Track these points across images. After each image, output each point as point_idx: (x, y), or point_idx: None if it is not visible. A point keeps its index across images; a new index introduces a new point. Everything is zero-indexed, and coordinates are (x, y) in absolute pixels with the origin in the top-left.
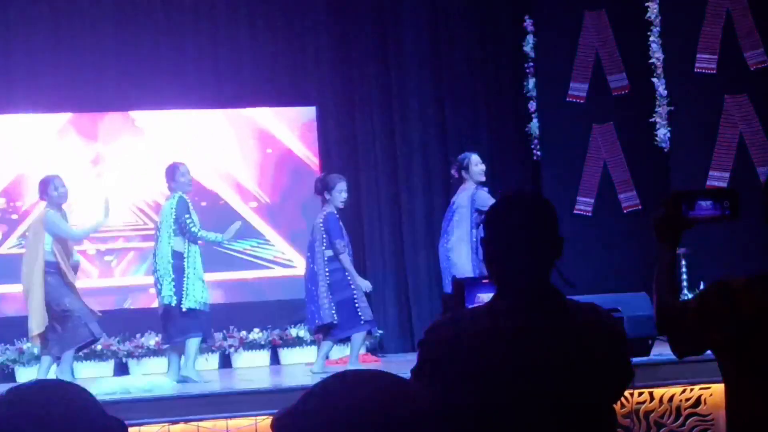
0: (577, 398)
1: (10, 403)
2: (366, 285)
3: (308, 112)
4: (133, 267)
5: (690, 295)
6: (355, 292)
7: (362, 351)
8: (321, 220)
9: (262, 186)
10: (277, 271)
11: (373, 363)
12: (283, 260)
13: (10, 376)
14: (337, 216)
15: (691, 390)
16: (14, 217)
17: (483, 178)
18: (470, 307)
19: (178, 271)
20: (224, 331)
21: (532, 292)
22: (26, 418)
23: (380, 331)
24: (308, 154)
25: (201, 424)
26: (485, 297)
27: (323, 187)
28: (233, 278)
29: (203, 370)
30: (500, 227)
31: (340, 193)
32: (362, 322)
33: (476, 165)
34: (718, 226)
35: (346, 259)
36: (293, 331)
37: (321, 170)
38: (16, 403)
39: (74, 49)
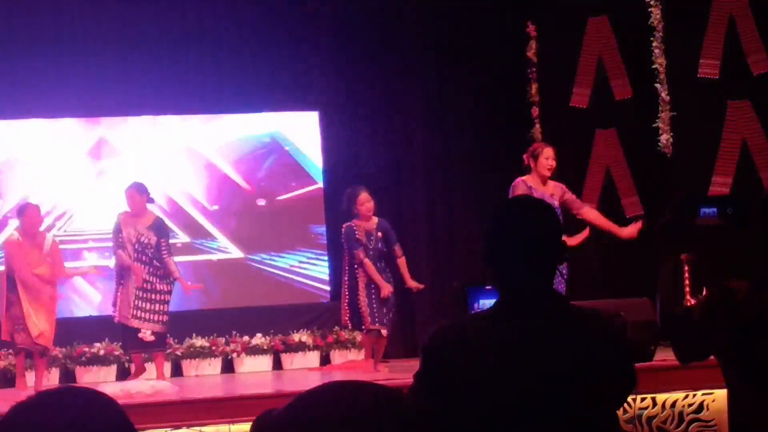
0: (579, 404)
1: (38, 407)
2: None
3: (310, 117)
4: None
5: (693, 301)
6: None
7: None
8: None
9: (265, 190)
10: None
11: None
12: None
13: (11, 381)
14: (353, 227)
15: (694, 395)
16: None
17: (547, 174)
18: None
19: None
20: (227, 336)
21: (534, 298)
22: (54, 423)
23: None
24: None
25: (204, 429)
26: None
27: (348, 202)
28: (233, 282)
29: (206, 374)
30: (502, 232)
31: (363, 205)
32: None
33: (546, 158)
34: (721, 232)
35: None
36: (296, 336)
37: (324, 173)
38: (44, 407)
39: (77, 54)
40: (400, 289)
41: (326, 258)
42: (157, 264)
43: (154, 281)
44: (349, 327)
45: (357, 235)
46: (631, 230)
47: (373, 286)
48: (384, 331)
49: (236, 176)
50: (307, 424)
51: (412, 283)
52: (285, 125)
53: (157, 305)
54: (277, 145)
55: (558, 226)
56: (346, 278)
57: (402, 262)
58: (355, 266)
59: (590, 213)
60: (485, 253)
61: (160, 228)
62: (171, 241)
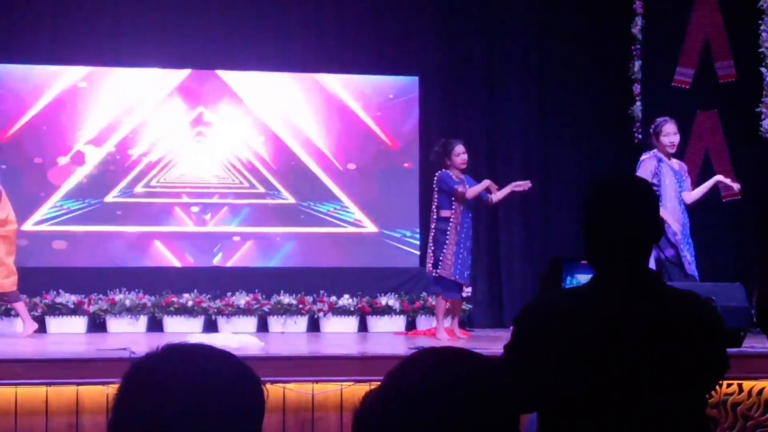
0: (670, 385)
1: (168, 362)
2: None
3: (408, 83)
4: (226, 221)
5: None
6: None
7: (446, 323)
8: (435, 181)
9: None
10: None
11: (462, 337)
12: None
13: (102, 326)
14: (449, 172)
15: None
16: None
17: (671, 151)
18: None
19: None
20: (314, 295)
21: (629, 277)
22: (184, 376)
23: (469, 306)
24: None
25: (287, 386)
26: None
27: (443, 153)
28: (325, 241)
29: (291, 332)
30: (599, 210)
31: (458, 156)
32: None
33: (666, 136)
34: None
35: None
36: (383, 300)
37: (420, 141)
38: (174, 361)
39: (182, 8)
40: (491, 260)
41: (417, 223)
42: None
43: None
44: (434, 275)
45: (454, 178)
46: None
47: (461, 241)
48: (467, 290)
49: (323, 140)
50: (408, 394)
51: (515, 187)
52: (377, 89)
53: None
54: (369, 108)
55: (655, 205)
56: (433, 226)
57: (497, 194)
58: (449, 218)
59: (687, 197)
60: (584, 229)
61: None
62: (276, 201)
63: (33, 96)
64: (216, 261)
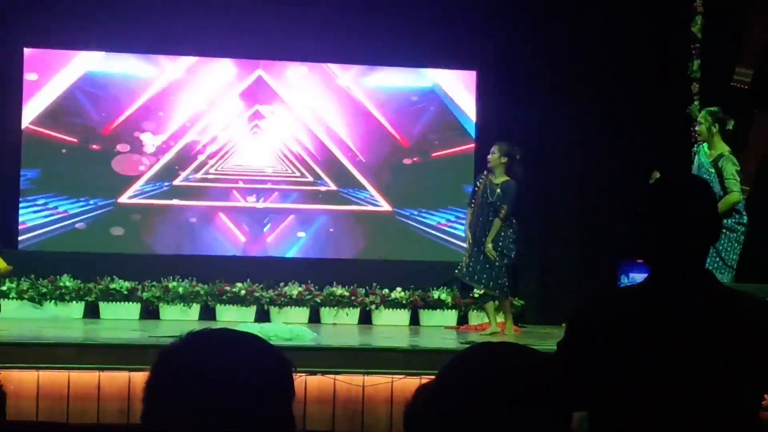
0: (725, 386)
1: (195, 348)
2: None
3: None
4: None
5: None
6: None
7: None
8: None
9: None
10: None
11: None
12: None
13: (154, 313)
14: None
15: None
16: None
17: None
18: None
19: None
20: (367, 287)
21: (687, 277)
22: (211, 360)
23: (521, 302)
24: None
25: (338, 377)
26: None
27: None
28: (378, 234)
29: (343, 323)
30: (657, 210)
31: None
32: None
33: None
34: None
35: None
36: (435, 294)
37: (476, 136)
38: (201, 346)
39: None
40: (543, 257)
41: None
42: None
43: None
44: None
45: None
46: None
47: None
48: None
49: (392, 129)
50: (464, 388)
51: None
52: (443, 82)
53: None
54: (436, 100)
55: (714, 205)
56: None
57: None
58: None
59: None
60: (640, 228)
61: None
62: (318, 188)
63: (130, 95)
64: (266, 229)
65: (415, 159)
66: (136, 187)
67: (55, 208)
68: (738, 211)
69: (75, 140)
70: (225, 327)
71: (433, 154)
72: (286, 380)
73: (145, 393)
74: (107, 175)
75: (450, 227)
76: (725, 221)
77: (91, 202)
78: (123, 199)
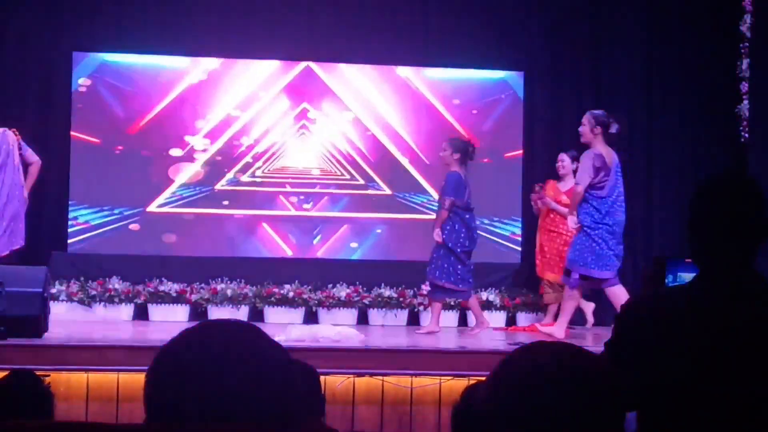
0: None
1: (197, 341)
2: None
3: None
4: (326, 210)
5: None
6: None
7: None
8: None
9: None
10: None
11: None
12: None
13: (203, 315)
14: None
15: None
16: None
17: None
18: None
19: None
20: (414, 289)
21: (734, 277)
22: (212, 351)
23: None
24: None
25: (386, 378)
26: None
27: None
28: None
29: (391, 325)
30: (706, 209)
31: None
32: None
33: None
34: None
35: None
36: (483, 295)
37: (524, 137)
38: (203, 339)
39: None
40: None
41: (519, 219)
42: None
43: None
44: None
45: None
46: None
47: None
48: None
49: (418, 134)
50: (516, 388)
51: None
52: (487, 85)
53: None
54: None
55: (763, 203)
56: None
57: None
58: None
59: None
60: (689, 228)
61: None
62: (375, 192)
63: (161, 91)
64: (316, 240)
65: (485, 160)
66: (178, 191)
67: (102, 210)
68: None
69: (121, 147)
70: (217, 319)
71: (506, 155)
72: (288, 381)
73: (145, 391)
74: (158, 179)
75: (495, 227)
76: None
77: (136, 208)
78: (158, 205)
